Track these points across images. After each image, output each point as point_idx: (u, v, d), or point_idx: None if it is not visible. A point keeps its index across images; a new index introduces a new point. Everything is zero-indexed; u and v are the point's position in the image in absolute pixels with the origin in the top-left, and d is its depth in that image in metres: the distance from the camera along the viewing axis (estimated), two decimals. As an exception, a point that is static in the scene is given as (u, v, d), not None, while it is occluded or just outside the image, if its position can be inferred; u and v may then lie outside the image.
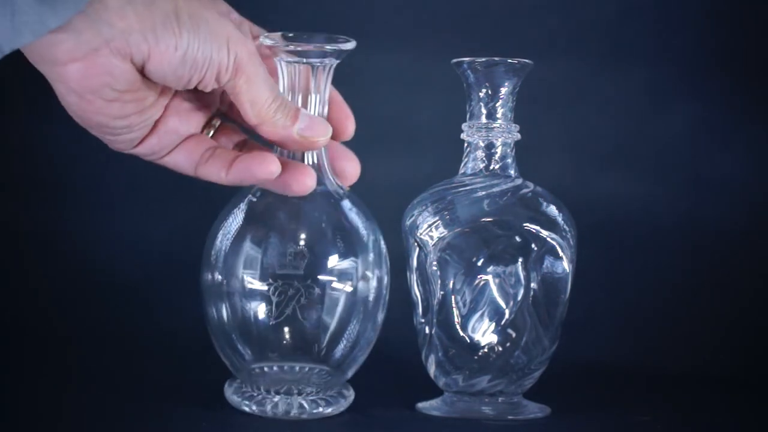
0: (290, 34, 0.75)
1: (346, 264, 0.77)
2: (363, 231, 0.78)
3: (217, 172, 0.72)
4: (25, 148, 1.14)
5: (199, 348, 0.88)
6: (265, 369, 0.78)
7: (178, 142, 0.72)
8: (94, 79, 0.64)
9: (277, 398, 0.78)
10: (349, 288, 0.77)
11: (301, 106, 0.75)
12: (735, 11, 1.17)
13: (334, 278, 0.76)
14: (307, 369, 0.78)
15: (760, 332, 1.09)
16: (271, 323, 0.76)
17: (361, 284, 0.77)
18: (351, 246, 0.77)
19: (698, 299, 1.12)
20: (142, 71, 0.66)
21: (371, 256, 0.78)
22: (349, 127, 0.79)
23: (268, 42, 0.74)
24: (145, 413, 0.82)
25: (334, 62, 0.76)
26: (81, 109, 0.66)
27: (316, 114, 0.75)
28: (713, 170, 1.16)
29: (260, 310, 0.76)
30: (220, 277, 0.77)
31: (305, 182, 0.73)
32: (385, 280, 0.79)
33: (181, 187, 1.12)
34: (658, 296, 1.13)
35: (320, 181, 0.77)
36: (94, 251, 1.13)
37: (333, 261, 0.76)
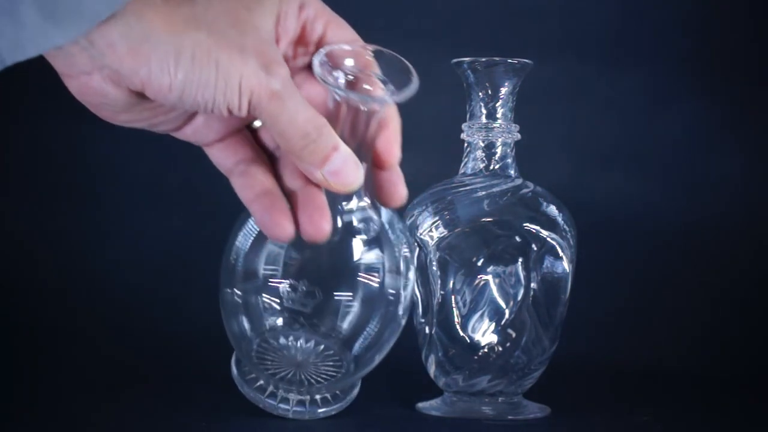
0: (352, 66, 0.68)
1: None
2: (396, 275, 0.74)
3: (244, 195, 0.68)
4: (30, 148, 1.14)
5: (202, 348, 0.88)
6: (272, 342, 0.74)
7: (216, 138, 0.68)
8: (90, 97, 0.62)
9: (283, 393, 0.77)
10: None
11: (340, 141, 0.67)
12: (734, 12, 1.17)
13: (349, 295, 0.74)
14: (321, 347, 0.75)
15: (760, 332, 1.09)
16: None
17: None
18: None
19: (698, 299, 1.12)
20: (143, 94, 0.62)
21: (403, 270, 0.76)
22: (391, 158, 0.72)
23: (317, 71, 0.66)
24: (146, 412, 0.82)
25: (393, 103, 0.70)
26: (95, 110, 0.63)
27: (356, 152, 0.68)
28: (713, 170, 1.16)
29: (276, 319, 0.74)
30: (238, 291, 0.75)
31: (318, 232, 0.68)
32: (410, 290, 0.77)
33: (187, 188, 1.13)
34: (658, 296, 1.13)
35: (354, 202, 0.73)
36: (99, 251, 1.13)
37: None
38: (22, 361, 1.00)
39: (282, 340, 0.73)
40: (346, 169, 0.67)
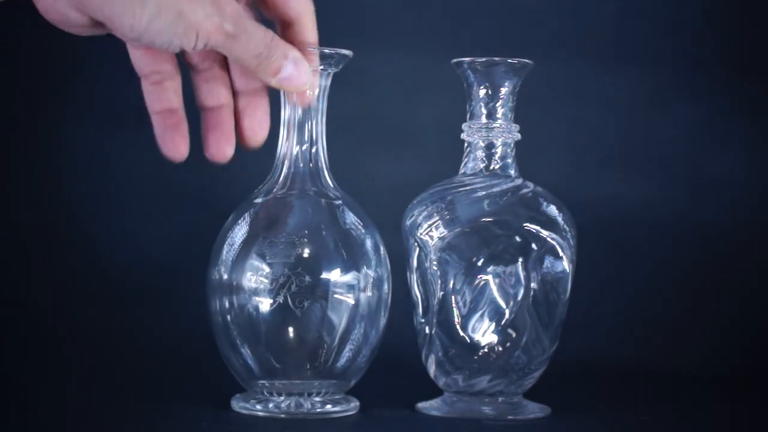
0: None
1: (349, 274, 0.78)
2: (360, 233, 0.79)
3: (151, 104, 0.73)
4: (33, 149, 1.14)
5: (203, 348, 0.88)
6: (276, 384, 0.78)
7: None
8: (54, 17, 0.65)
9: (281, 398, 0.78)
10: (350, 297, 0.77)
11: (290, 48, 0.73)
12: (734, 12, 1.17)
13: (329, 275, 0.77)
14: (316, 383, 0.78)
15: (760, 332, 1.09)
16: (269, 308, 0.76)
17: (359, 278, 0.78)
18: (350, 248, 0.78)
19: (698, 299, 1.12)
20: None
21: (370, 258, 0.79)
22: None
23: None
24: (146, 413, 0.82)
25: (333, 70, 0.79)
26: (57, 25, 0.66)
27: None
28: (713, 170, 1.16)
29: (261, 304, 0.76)
30: (226, 275, 0.77)
31: (220, 154, 0.74)
32: (386, 281, 0.80)
33: (186, 188, 1.13)
34: (659, 296, 1.13)
35: (317, 185, 0.80)
36: (100, 251, 1.13)
37: (329, 259, 0.78)
38: (20, 360, 1.00)
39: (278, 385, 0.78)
40: (296, 74, 0.73)
